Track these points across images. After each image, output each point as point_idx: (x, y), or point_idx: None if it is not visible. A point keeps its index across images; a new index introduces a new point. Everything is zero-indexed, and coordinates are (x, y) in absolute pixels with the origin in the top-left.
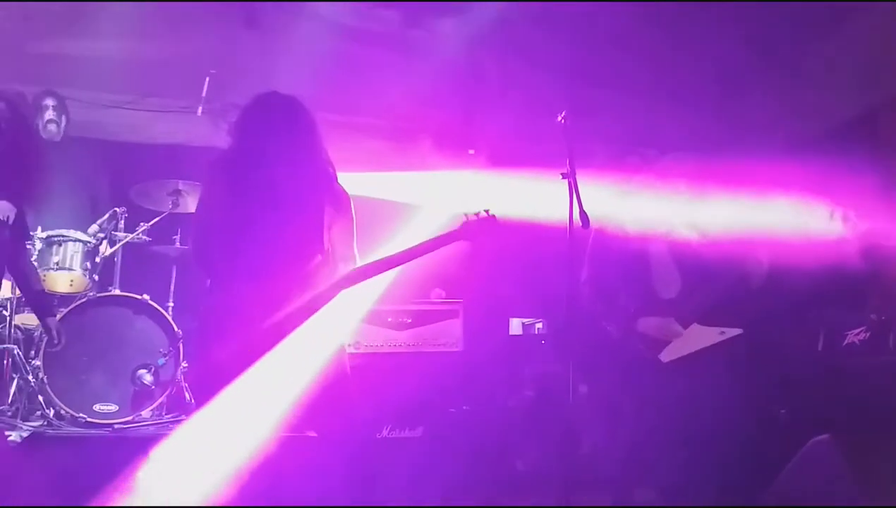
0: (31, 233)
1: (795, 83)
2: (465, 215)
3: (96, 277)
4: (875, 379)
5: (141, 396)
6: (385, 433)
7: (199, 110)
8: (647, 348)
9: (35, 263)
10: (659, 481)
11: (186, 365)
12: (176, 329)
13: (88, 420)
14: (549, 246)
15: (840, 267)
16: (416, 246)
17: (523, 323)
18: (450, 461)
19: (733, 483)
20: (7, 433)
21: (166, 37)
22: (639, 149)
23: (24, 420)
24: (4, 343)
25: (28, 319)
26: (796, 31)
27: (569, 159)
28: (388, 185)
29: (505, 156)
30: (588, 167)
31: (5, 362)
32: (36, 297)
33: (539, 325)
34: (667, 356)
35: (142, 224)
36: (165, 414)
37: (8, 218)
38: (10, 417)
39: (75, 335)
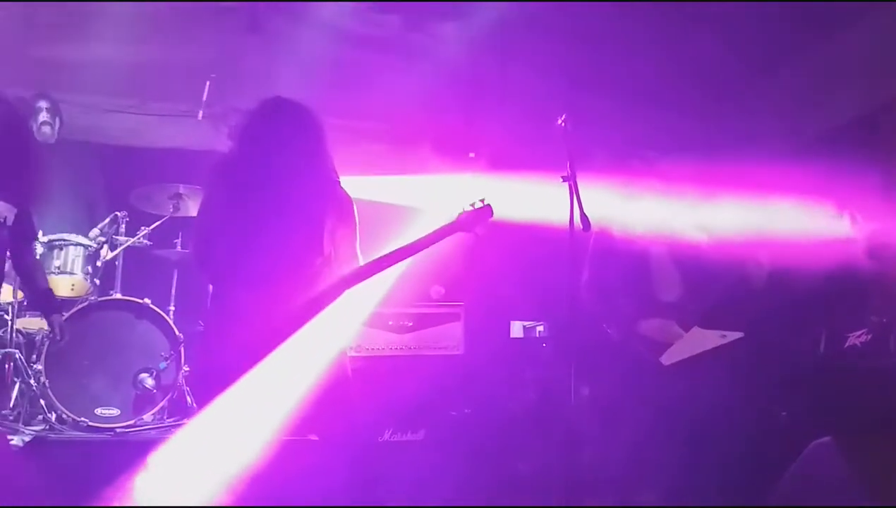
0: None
1: (799, 84)
2: (462, 207)
3: (97, 281)
4: (876, 381)
5: (143, 400)
6: (387, 436)
7: (200, 114)
8: (648, 350)
9: None
10: (661, 483)
11: (188, 368)
12: (177, 332)
13: (90, 424)
14: (549, 248)
15: (842, 269)
16: (415, 241)
17: (524, 326)
18: (452, 464)
19: (735, 485)
20: (9, 437)
21: (167, 41)
22: (640, 152)
23: (27, 424)
24: (6, 347)
25: (29, 323)
26: (798, 33)
27: (569, 162)
28: (389, 189)
29: (505, 160)
30: (589, 170)
31: (7, 366)
32: (42, 295)
33: (540, 328)
34: (668, 359)
35: (143, 228)
36: (167, 418)
37: (6, 218)
38: (12, 421)
39: (77, 339)
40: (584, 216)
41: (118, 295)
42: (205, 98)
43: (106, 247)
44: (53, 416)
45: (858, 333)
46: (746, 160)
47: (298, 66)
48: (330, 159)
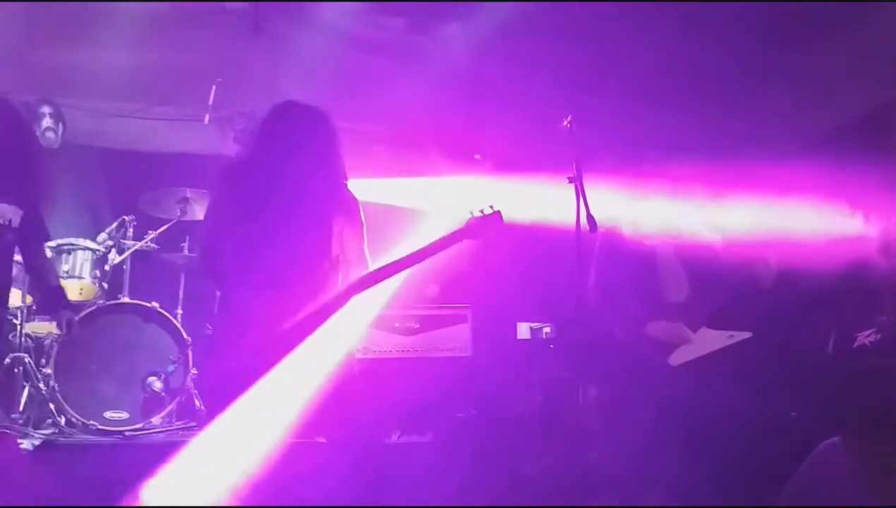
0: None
1: (809, 83)
2: (471, 213)
3: (105, 285)
4: (886, 381)
5: (151, 403)
6: (394, 438)
7: (207, 118)
8: (657, 352)
9: None
10: (669, 484)
11: (196, 371)
12: (185, 336)
13: (99, 427)
14: (555, 250)
15: (852, 268)
16: (424, 247)
17: (531, 328)
18: (458, 466)
19: (744, 485)
20: (19, 441)
21: (172, 45)
22: (646, 152)
23: (36, 428)
24: (15, 351)
25: (38, 327)
26: (808, 31)
27: (575, 163)
28: (395, 191)
29: (511, 161)
30: (595, 171)
31: (16, 370)
32: (52, 292)
33: (547, 329)
34: (676, 359)
35: (150, 232)
36: (175, 421)
37: (10, 221)
38: (21, 425)
39: (85, 343)
40: (590, 217)
41: (126, 299)
42: (211, 102)
43: (114, 250)
44: (63, 420)
45: (867, 332)
46: (755, 160)
47: (303, 69)
48: (341, 163)
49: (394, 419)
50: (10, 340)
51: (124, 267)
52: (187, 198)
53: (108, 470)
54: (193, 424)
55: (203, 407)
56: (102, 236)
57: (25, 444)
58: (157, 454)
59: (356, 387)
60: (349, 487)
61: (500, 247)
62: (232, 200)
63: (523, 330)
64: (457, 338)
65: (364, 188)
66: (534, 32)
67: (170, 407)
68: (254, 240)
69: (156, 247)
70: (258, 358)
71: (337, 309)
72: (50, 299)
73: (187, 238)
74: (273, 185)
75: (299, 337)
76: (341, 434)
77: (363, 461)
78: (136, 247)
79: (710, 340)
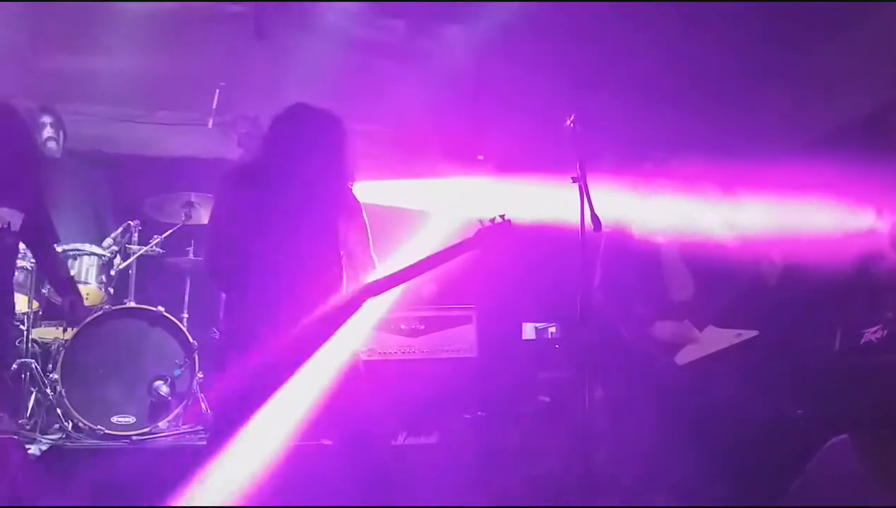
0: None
1: (809, 83)
2: (480, 222)
3: (111, 290)
4: (893, 378)
5: (158, 407)
6: (400, 440)
7: (210, 123)
8: (663, 352)
9: None
10: (676, 483)
11: (202, 375)
12: (191, 340)
13: (106, 432)
14: (560, 250)
15: (859, 264)
16: (433, 255)
17: (536, 328)
18: (465, 467)
19: (751, 484)
20: (27, 446)
21: (176, 50)
22: (650, 152)
23: (43, 433)
24: (22, 357)
25: (45, 333)
26: (808, 30)
27: (579, 163)
28: (399, 193)
29: (515, 162)
30: (599, 170)
31: (23, 376)
32: (63, 282)
33: (552, 329)
34: (683, 358)
35: (155, 236)
36: (182, 425)
37: (9, 224)
38: (29, 431)
39: (92, 348)
40: (594, 217)
41: (132, 304)
42: (214, 106)
43: (119, 256)
44: (70, 425)
45: (874, 329)
46: (760, 158)
47: (306, 71)
48: (349, 166)
49: (400, 420)
50: (16, 346)
51: (130, 271)
52: (192, 203)
53: (115, 474)
54: (200, 428)
55: (210, 411)
56: (108, 241)
57: (33, 449)
58: (163, 458)
59: (362, 389)
60: (356, 489)
61: (509, 251)
62: (239, 203)
63: (528, 330)
64: (462, 339)
65: (367, 189)
66: (535, 33)
67: (176, 411)
68: (260, 243)
69: (161, 251)
70: (268, 365)
71: (350, 315)
72: (60, 286)
73: (192, 242)
74: (282, 188)
75: (315, 341)
76: (347, 436)
77: (369, 463)
78: (142, 251)
79: (717, 339)
